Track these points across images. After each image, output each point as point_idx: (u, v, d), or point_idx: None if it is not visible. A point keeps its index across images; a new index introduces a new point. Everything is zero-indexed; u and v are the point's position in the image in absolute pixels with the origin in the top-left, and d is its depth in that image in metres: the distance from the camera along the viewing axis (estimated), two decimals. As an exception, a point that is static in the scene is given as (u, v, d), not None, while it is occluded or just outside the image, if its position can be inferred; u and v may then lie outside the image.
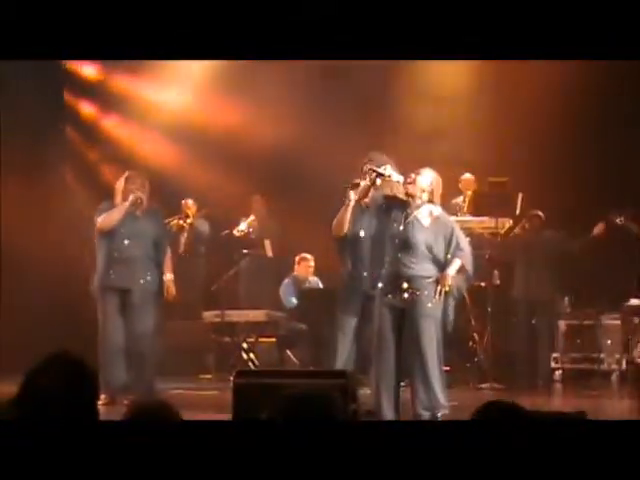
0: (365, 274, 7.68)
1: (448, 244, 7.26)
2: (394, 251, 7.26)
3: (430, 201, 7.33)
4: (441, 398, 7.18)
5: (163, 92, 11.72)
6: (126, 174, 8.45)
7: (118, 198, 8.29)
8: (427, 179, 7.33)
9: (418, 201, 7.30)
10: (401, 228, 7.28)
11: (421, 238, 7.23)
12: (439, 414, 7.15)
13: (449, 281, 7.21)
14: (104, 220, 8.20)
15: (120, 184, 8.32)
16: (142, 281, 8.23)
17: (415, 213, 7.30)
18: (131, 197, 8.16)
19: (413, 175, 7.32)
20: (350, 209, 7.68)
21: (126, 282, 8.18)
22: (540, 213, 10.13)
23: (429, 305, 7.17)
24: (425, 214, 7.29)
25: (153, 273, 8.30)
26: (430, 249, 7.23)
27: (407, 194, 7.32)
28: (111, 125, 12.15)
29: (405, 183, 7.33)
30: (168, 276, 8.42)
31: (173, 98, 11.74)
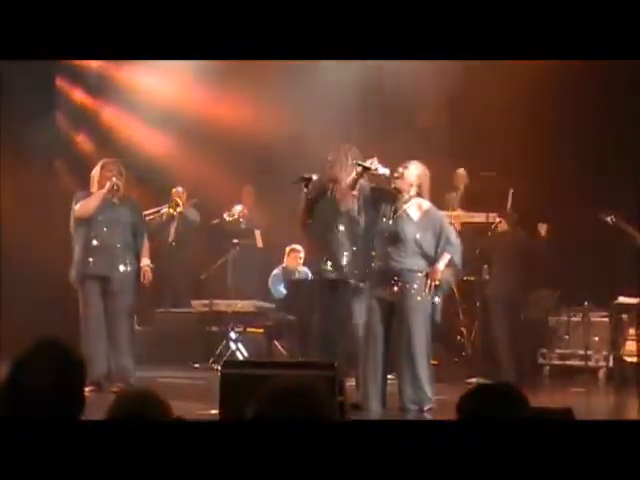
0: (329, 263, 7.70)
1: (438, 238, 7.26)
2: (383, 245, 7.26)
3: (418, 195, 7.32)
4: (428, 392, 7.20)
5: (155, 81, 11.68)
6: (102, 162, 8.43)
7: (94, 186, 8.26)
8: (414, 173, 7.32)
9: (406, 195, 7.29)
10: (390, 222, 7.28)
11: (410, 232, 7.23)
12: (426, 408, 7.17)
13: (439, 275, 7.21)
14: (81, 207, 8.18)
15: (96, 172, 8.28)
16: (121, 268, 8.21)
17: (405, 207, 7.30)
18: (108, 184, 8.14)
19: (401, 169, 7.31)
20: (305, 201, 7.70)
21: (105, 270, 8.16)
22: (508, 212, 10.10)
23: (418, 299, 7.18)
24: (414, 208, 7.29)
25: (132, 260, 8.29)
26: (419, 243, 7.23)
27: (395, 188, 7.31)
28: (102, 113, 12.11)
29: (392, 177, 7.32)
30: (145, 261, 8.36)
31: (165, 87, 11.72)
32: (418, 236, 7.22)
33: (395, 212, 7.31)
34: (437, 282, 7.21)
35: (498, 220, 10.04)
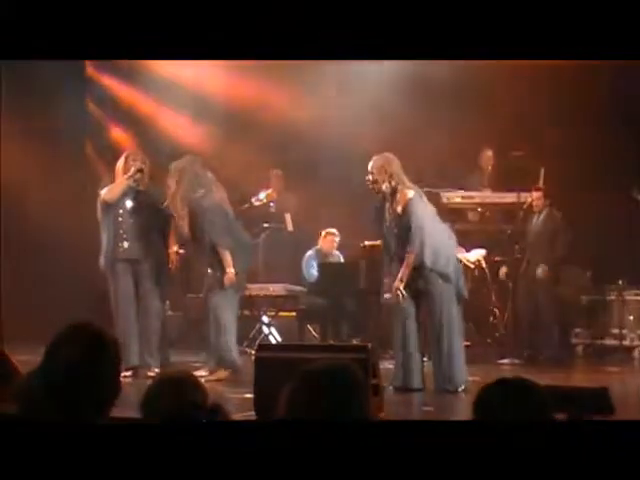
0: None
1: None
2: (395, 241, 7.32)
3: (394, 188, 7.30)
4: (461, 372, 7.21)
5: (184, 67, 11.68)
6: (125, 153, 8.57)
7: (120, 177, 8.35)
8: (373, 166, 7.35)
9: (386, 191, 7.31)
10: (387, 223, 7.34)
11: (398, 227, 7.30)
12: (460, 388, 7.18)
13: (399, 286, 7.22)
14: (107, 193, 8.25)
15: (121, 163, 8.39)
16: (150, 253, 8.28)
17: (394, 205, 7.31)
18: (132, 169, 8.23)
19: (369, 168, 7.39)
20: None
21: (134, 254, 8.23)
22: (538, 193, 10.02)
23: (440, 281, 7.24)
24: (398, 203, 7.29)
25: (161, 246, 8.35)
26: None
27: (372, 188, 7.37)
28: (132, 99, 12.15)
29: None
30: (174, 248, 8.40)
31: (193, 73, 11.71)
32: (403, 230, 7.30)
33: (388, 210, 7.33)
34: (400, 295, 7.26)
35: (530, 200, 9.97)
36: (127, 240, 8.23)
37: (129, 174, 8.24)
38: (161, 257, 8.33)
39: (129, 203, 8.27)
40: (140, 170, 8.27)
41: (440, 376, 7.25)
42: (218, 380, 7.74)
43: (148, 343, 8.20)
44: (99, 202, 8.32)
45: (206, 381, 7.37)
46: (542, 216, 10.02)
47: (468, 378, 7.30)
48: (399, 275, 7.26)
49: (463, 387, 7.22)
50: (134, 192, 8.30)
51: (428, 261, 7.22)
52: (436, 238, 7.29)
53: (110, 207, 8.24)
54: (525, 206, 10.01)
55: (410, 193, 7.29)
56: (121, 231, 8.24)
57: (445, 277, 7.30)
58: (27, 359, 3.17)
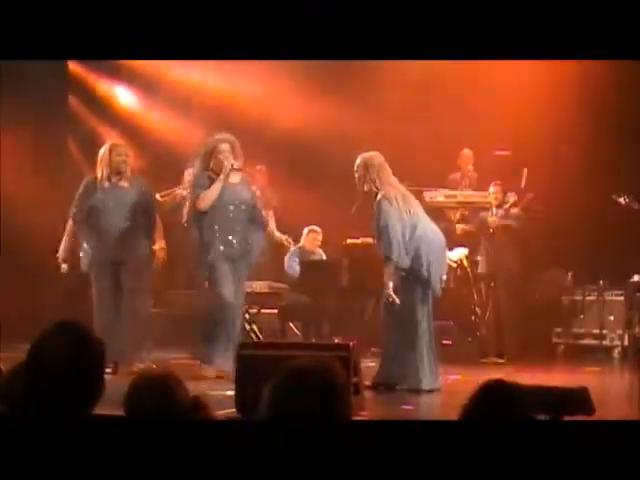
0: None
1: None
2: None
3: (377, 188, 7.32)
4: (425, 372, 7.26)
5: (166, 61, 11.65)
6: (109, 144, 8.31)
7: (104, 169, 8.08)
8: (356, 165, 7.37)
9: (367, 190, 7.34)
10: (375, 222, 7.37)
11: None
12: (424, 388, 7.21)
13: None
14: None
15: (105, 154, 8.11)
16: (134, 251, 8.12)
17: (373, 205, 7.34)
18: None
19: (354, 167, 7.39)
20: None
21: (117, 254, 8.06)
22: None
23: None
24: (383, 203, 7.30)
25: (144, 242, 8.21)
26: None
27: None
28: (115, 94, 12.12)
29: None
30: (158, 244, 8.33)
31: (177, 67, 11.70)
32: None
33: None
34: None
35: (512, 200, 10.00)
36: (108, 240, 8.06)
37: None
38: (145, 254, 8.21)
39: (109, 201, 8.06)
40: (122, 169, 8.09)
41: (395, 375, 7.28)
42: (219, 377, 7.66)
43: (133, 340, 8.07)
44: (76, 203, 8.14)
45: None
46: (521, 216, 10.04)
47: (436, 379, 7.30)
48: (384, 280, 7.26)
49: (429, 388, 7.22)
50: (114, 188, 8.10)
51: (396, 257, 7.21)
52: (406, 237, 7.25)
53: (91, 209, 8.04)
54: (507, 205, 10.03)
55: (380, 193, 7.29)
56: (102, 230, 8.06)
57: (416, 276, 7.28)
58: (7, 356, 3.16)
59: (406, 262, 7.23)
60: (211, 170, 8.01)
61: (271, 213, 11.25)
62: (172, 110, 11.82)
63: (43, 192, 10.86)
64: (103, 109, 12.02)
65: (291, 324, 10.42)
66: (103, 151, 8.20)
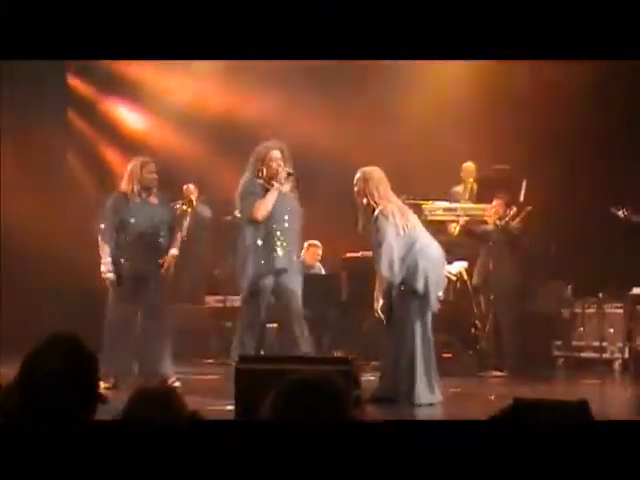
0: None
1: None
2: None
3: (371, 203, 7.30)
4: (423, 387, 7.23)
5: (164, 75, 11.69)
6: (140, 160, 8.22)
7: (134, 185, 8.05)
8: (356, 179, 7.34)
9: (365, 205, 7.32)
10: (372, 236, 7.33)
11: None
12: (419, 403, 7.17)
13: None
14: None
15: (135, 170, 8.08)
16: (158, 268, 8.09)
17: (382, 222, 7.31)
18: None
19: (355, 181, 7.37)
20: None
21: (144, 270, 8.03)
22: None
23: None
24: (380, 219, 7.28)
25: (168, 260, 8.17)
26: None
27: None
28: (112, 107, 12.14)
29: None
30: (173, 251, 8.23)
31: (173, 82, 11.72)
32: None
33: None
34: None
35: (512, 213, 10.01)
36: (134, 255, 8.02)
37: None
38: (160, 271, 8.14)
39: (142, 218, 8.03)
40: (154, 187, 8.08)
41: (395, 389, 7.26)
42: None
43: (158, 357, 7.99)
44: (106, 217, 8.06)
45: None
46: (522, 229, 10.06)
47: (435, 393, 7.27)
48: (375, 294, 7.26)
49: (427, 402, 7.18)
50: (145, 205, 8.09)
51: (387, 274, 7.18)
52: (401, 252, 7.21)
53: (122, 223, 7.99)
54: (508, 218, 10.03)
55: (378, 208, 7.27)
56: (127, 246, 8.03)
57: (412, 291, 7.26)
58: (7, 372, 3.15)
59: (398, 279, 7.21)
60: (262, 177, 7.76)
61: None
62: (171, 124, 11.83)
63: (42, 208, 10.86)
64: (102, 123, 12.03)
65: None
66: (133, 167, 8.16)
